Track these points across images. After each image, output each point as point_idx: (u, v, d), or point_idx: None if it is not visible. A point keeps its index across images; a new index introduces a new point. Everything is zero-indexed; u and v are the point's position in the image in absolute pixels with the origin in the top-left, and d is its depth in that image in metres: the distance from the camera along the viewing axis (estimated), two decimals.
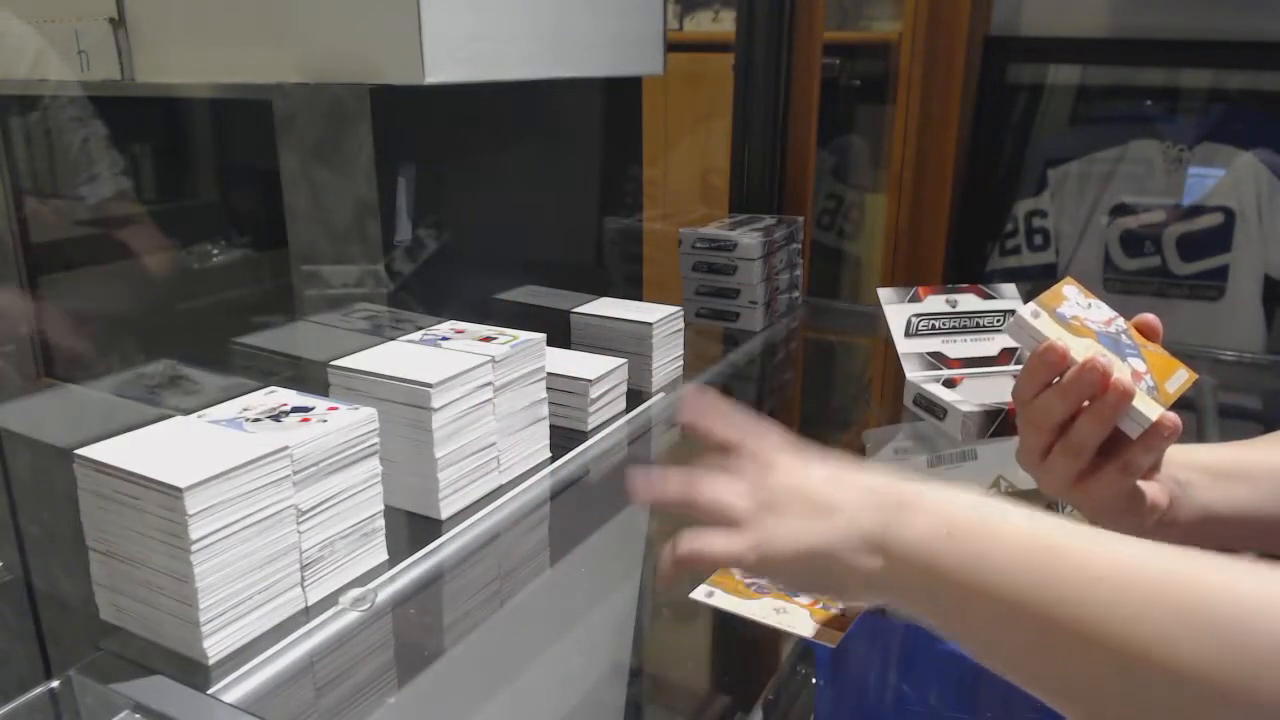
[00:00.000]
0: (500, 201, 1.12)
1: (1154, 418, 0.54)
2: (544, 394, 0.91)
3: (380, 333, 0.97)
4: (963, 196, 1.87)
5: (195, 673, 0.62)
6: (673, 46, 1.18)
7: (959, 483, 0.56)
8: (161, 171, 1.24)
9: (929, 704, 0.73)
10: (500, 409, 0.86)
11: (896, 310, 1.05)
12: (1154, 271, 1.74)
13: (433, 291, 1.02)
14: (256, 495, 0.63)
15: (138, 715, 0.60)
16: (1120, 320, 0.62)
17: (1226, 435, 1.06)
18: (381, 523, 0.75)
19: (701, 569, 0.71)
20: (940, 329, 1.04)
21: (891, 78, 1.88)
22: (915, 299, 1.06)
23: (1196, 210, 1.70)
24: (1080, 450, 0.56)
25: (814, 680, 0.70)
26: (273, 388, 0.75)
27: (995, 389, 0.96)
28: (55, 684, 0.63)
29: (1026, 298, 0.66)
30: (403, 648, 0.70)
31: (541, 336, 0.90)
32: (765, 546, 0.47)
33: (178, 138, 1.22)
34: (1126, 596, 0.37)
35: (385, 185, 0.95)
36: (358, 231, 0.96)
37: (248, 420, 0.69)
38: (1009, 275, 1.83)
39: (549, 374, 0.92)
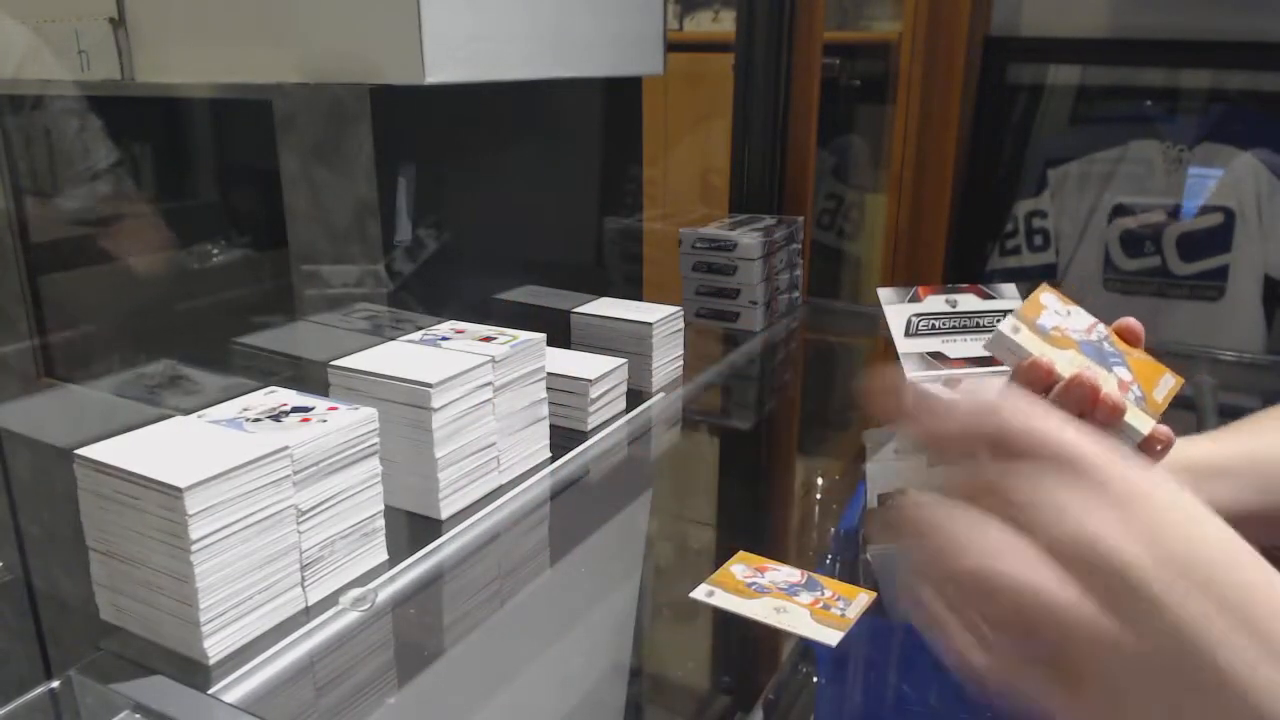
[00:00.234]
0: (500, 201, 1.12)
1: (1146, 431, 0.53)
2: (544, 394, 0.91)
3: (380, 333, 0.97)
4: (963, 196, 1.87)
5: (195, 673, 0.62)
6: (673, 46, 1.18)
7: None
8: (161, 171, 1.24)
9: (929, 704, 0.73)
10: (500, 409, 0.86)
11: (896, 310, 1.05)
12: (1154, 271, 1.74)
13: (433, 291, 1.02)
14: (256, 495, 0.63)
15: (138, 715, 0.60)
16: (1101, 327, 0.60)
17: None
18: (381, 523, 0.75)
19: None
20: (940, 329, 1.04)
21: (891, 78, 1.88)
22: (915, 299, 1.05)
23: (1196, 210, 1.70)
24: None
25: (814, 680, 0.70)
26: (273, 388, 0.75)
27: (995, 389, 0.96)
28: (55, 684, 0.63)
29: (1026, 296, 0.65)
30: (403, 648, 0.70)
31: (541, 336, 0.90)
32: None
33: (178, 137, 1.22)
34: None
35: (385, 185, 0.95)
36: (358, 231, 0.96)
37: (248, 420, 0.69)
38: (1009, 275, 1.83)
39: (549, 374, 0.91)
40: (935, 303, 1.08)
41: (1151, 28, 1.71)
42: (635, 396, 1.09)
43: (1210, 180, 1.69)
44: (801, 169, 1.59)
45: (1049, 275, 1.80)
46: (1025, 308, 0.59)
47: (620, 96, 1.33)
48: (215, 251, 1.16)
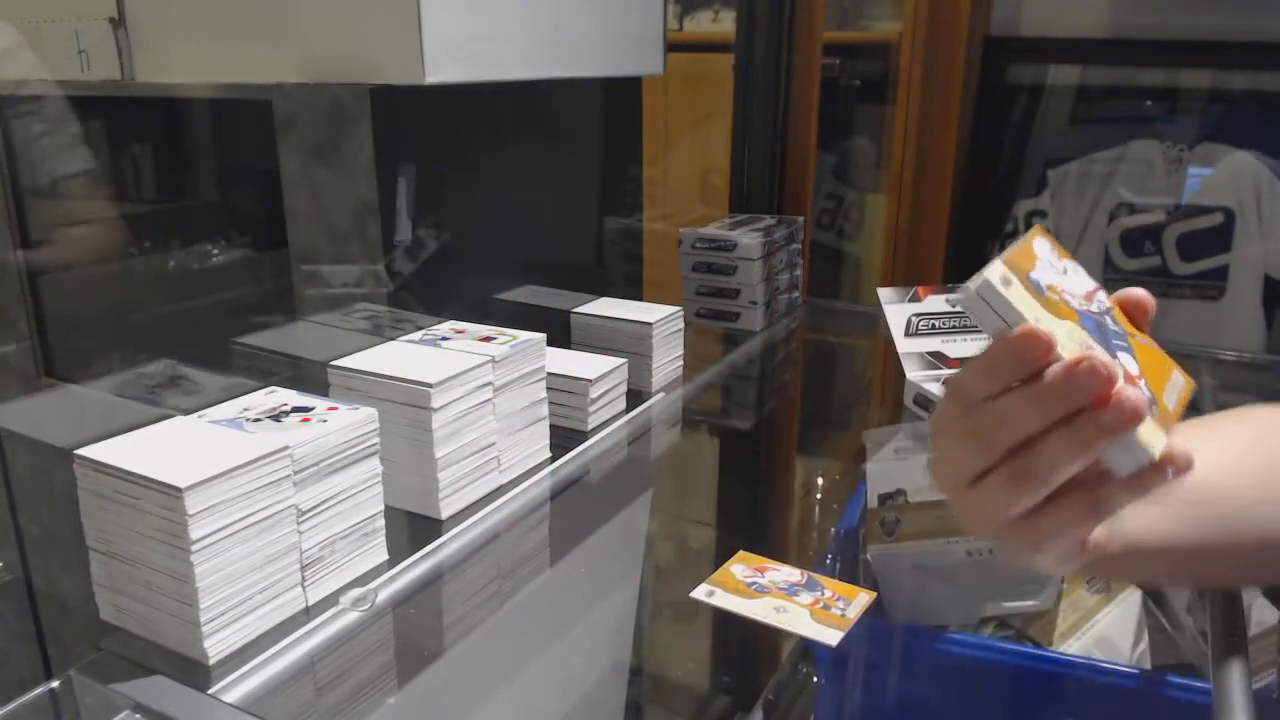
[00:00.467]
0: (500, 201, 1.12)
1: (1157, 452, 0.39)
2: (544, 394, 0.91)
3: (380, 333, 0.97)
4: (963, 196, 1.87)
5: (195, 673, 0.62)
6: (673, 46, 1.18)
7: None
8: (161, 171, 1.24)
9: (929, 704, 0.73)
10: (500, 409, 0.86)
11: (896, 310, 1.05)
12: (1154, 271, 1.74)
13: (433, 291, 1.02)
14: (257, 495, 0.63)
15: (138, 715, 0.60)
16: (1103, 295, 0.45)
17: None
18: (381, 523, 0.75)
19: None
20: (940, 329, 1.04)
21: (891, 78, 1.88)
22: (915, 299, 1.05)
23: (1196, 210, 1.70)
24: (1039, 482, 0.40)
25: (814, 680, 0.70)
26: (273, 388, 0.75)
27: None
28: (55, 684, 0.63)
29: None
30: (403, 648, 0.70)
31: (541, 336, 0.90)
32: None
33: (178, 137, 1.22)
34: None
35: (385, 185, 0.95)
36: (358, 231, 0.96)
37: (248, 420, 0.69)
38: None
39: (549, 374, 0.92)
40: (935, 303, 1.08)
41: (1151, 28, 1.71)
42: (635, 396, 1.09)
43: (1210, 180, 1.69)
44: (801, 169, 1.59)
45: None
46: (1016, 254, 0.42)
47: (620, 96, 1.33)
48: (215, 251, 1.16)
